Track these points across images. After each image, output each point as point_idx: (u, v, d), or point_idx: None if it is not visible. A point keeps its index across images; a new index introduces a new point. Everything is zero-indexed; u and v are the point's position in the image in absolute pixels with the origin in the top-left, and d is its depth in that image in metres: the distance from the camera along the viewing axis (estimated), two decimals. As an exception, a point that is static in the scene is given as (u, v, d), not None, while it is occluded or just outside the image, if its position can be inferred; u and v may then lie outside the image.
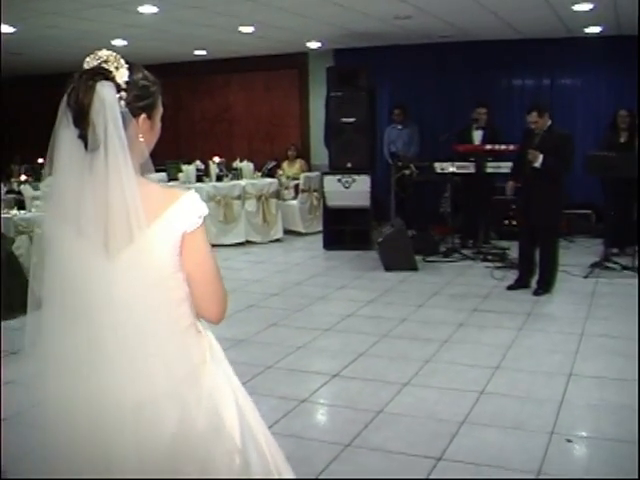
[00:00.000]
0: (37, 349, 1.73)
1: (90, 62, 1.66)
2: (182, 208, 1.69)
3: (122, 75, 1.66)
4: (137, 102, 1.70)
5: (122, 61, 1.67)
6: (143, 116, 1.73)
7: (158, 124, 1.81)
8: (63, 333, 1.67)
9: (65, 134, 1.63)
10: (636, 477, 3.14)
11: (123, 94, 1.65)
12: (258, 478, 1.80)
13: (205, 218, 1.74)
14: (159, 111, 1.80)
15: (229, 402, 1.81)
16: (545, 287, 6.73)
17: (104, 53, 1.67)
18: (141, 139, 1.73)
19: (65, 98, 1.64)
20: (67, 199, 1.65)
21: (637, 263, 7.41)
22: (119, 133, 1.60)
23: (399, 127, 10.58)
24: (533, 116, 6.59)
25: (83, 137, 1.63)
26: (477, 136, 9.01)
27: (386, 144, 10.67)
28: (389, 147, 10.60)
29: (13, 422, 3.80)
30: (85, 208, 1.63)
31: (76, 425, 1.66)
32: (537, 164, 6.47)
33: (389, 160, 10.21)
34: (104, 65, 1.65)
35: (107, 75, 1.63)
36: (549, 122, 6.61)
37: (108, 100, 1.60)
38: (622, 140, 8.39)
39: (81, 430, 1.66)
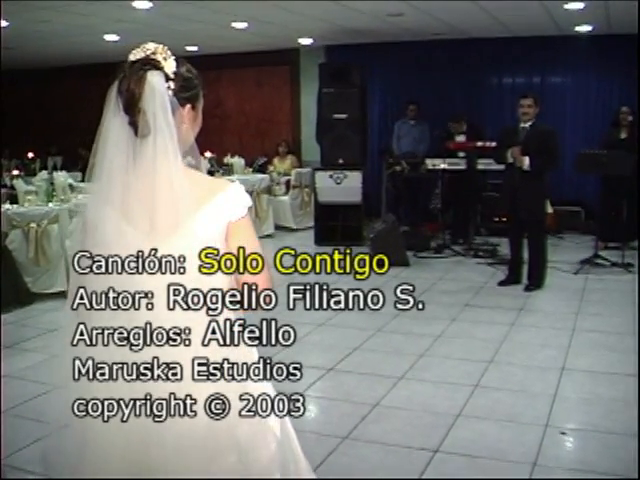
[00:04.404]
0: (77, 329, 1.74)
1: (137, 54, 1.71)
2: (230, 197, 1.75)
3: (170, 66, 1.72)
4: (183, 92, 1.76)
5: (169, 52, 1.73)
6: (188, 106, 1.80)
7: (200, 115, 1.87)
8: (105, 317, 1.69)
9: (115, 121, 1.69)
10: (635, 477, 3.19)
11: (171, 84, 1.72)
12: (274, 478, 1.82)
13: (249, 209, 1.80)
14: (201, 103, 1.86)
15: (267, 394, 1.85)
16: (536, 283, 6.78)
17: (151, 45, 1.73)
18: (186, 128, 1.79)
19: (116, 86, 1.69)
20: (113, 183, 1.69)
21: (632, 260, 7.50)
22: (168, 120, 1.67)
23: (411, 122, 10.43)
24: (529, 101, 6.55)
25: (133, 124, 1.68)
26: (460, 139, 9.14)
27: (395, 138, 10.47)
28: (397, 144, 10.39)
29: (8, 415, 3.82)
30: (132, 192, 1.68)
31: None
32: (525, 167, 6.49)
33: (396, 153, 10.10)
34: (152, 56, 1.70)
35: (156, 65, 1.70)
36: (534, 119, 6.63)
37: (158, 89, 1.67)
38: (622, 136, 8.47)
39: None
